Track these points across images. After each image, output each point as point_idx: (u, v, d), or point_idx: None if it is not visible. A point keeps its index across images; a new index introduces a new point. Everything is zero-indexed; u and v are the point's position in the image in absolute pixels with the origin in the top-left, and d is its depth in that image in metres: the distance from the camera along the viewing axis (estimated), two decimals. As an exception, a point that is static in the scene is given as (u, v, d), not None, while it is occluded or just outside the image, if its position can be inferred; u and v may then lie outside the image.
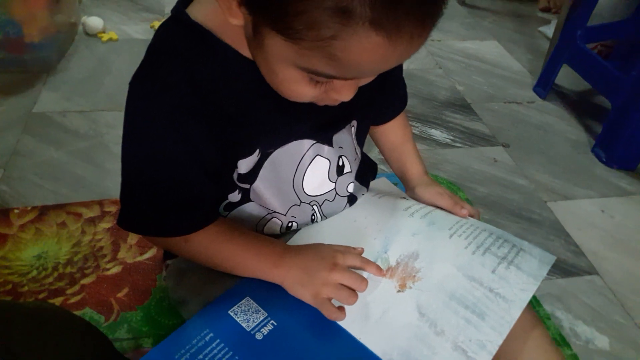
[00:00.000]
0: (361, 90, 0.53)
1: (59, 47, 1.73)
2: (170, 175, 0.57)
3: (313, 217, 0.70)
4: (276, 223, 0.68)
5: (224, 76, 0.55)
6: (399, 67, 0.76)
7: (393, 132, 0.81)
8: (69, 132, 1.42)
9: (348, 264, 0.61)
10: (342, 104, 0.56)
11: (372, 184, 0.79)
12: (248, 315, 0.59)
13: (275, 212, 0.67)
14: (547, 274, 1.15)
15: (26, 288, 1.00)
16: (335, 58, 0.42)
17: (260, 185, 0.63)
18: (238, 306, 0.60)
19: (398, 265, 0.65)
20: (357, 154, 0.73)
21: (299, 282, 0.60)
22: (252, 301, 0.61)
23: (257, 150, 0.60)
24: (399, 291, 0.63)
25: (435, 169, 1.43)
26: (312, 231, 0.70)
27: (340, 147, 0.68)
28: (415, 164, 0.82)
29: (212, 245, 0.62)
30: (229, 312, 0.60)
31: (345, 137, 0.69)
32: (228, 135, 0.57)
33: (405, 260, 0.66)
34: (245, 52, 0.54)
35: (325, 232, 0.69)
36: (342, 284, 0.60)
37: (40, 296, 0.98)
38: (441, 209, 0.75)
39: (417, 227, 0.70)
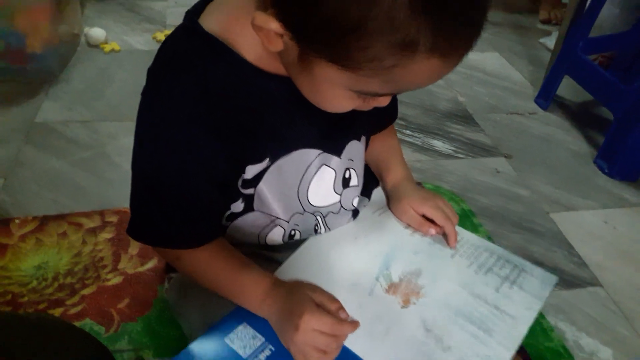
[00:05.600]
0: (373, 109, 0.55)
1: (61, 58, 1.73)
2: (181, 187, 0.57)
3: (316, 228, 0.70)
4: (279, 231, 0.67)
5: (238, 88, 0.55)
6: None
7: (378, 140, 0.79)
8: (70, 142, 1.42)
9: (314, 327, 0.55)
10: (355, 117, 0.58)
11: (374, 194, 0.79)
12: (245, 342, 0.58)
13: (277, 218, 0.66)
14: None
15: (26, 298, 0.99)
16: (393, 81, 0.45)
17: (264, 188, 0.63)
18: (234, 333, 0.59)
19: (401, 281, 0.65)
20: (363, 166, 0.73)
21: (279, 329, 0.58)
22: (249, 327, 0.59)
23: (267, 159, 0.60)
24: (402, 307, 0.62)
25: (437, 179, 1.42)
26: (313, 250, 0.69)
27: (350, 159, 0.68)
28: (392, 173, 0.78)
29: (206, 270, 0.62)
30: (225, 339, 0.59)
31: (358, 149, 0.69)
32: (239, 145, 0.57)
33: (408, 276, 0.66)
34: (260, 62, 0.54)
35: (327, 251, 0.69)
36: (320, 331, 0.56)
37: (40, 307, 0.98)
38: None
39: (418, 245, 0.71)
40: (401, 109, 1.64)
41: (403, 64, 0.43)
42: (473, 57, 2.06)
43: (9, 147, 1.38)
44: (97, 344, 0.68)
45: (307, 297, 0.57)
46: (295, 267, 0.65)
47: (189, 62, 0.54)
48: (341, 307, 0.57)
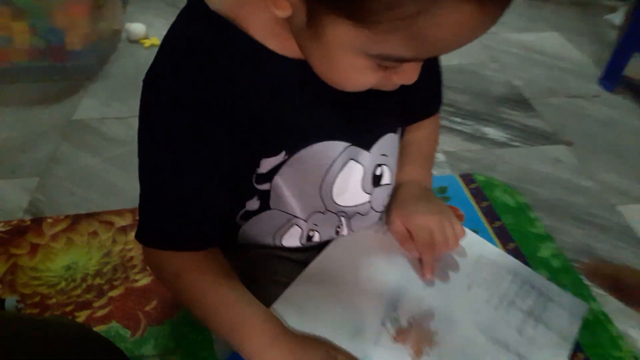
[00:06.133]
0: (406, 92, 0.49)
1: (101, 54, 1.73)
2: (187, 186, 0.53)
3: (338, 230, 0.63)
4: (296, 232, 0.61)
5: (248, 72, 0.50)
6: (437, 64, 0.67)
7: (409, 130, 0.70)
8: (106, 139, 1.40)
9: None
10: (386, 107, 0.53)
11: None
12: None
13: (294, 217, 0.60)
14: None
15: (54, 300, 0.97)
16: (417, 37, 0.37)
17: (280, 182, 0.56)
18: None
19: (411, 326, 0.56)
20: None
21: None
22: None
23: (284, 152, 0.55)
24: (414, 359, 0.54)
25: (490, 170, 1.32)
26: (308, 286, 0.60)
27: (383, 154, 0.61)
28: (405, 169, 0.68)
29: (206, 296, 0.55)
30: None
31: (393, 144, 0.62)
32: (251, 137, 0.52)
33: (419, 320, 0.57)
34: (272, 44, 0.49)
35: (326, 287, 0.60)
36: None
37: (68, 309, 0.95)
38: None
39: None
40: (449, 95, 1.57)
41: (428, 9, 0.35)
42: (529, 37, 1.95)
43: (46, 146, 1.38)
44: (113, 349, 0.65)
45: (330, 352, 0.51)
46: (288, 311, 0.57)
47: (191, 45, 0.49)
48: None
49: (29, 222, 1.13)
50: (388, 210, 0.66)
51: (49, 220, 1.14)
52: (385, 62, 0.42)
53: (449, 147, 1.39)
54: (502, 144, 1.43)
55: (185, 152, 0.51)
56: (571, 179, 1.32)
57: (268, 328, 0.52)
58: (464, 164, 1.34)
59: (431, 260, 0.61)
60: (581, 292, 1.01)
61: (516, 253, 1.08)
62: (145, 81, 0.51)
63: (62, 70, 1.63)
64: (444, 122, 1.47)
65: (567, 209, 1.22)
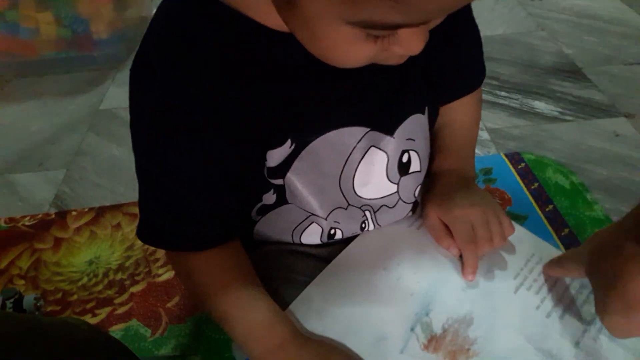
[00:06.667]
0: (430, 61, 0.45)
1: (129, 42, 1.70)
2: (182, 184, 0.49)
3: (363, 225, 0.57)
4: (316, 229, 0.56)
5: (241, 54, 0.45)
6: (472, 33, 0.59)
7: (447, 110, 0.62)
8: (132, 128, 1.37)
9: None
10: (411, 84, 0.48)
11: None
12: None
13: (313, 214, 0.55)
14: None
15: (75, 297, 0.94)
16: None
17: (293, 179, 0.51)
18: None
19: (445, 333, 0.50)
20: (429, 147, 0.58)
21: None
22: None
23: (289, 141, 0.49)
24: None
25: (540, 148, 1.21)
26: (324, 286, 0.55)
27: (409, 139, 0.54)
28: (441, 155, 0.61)
29: (220, 292, 0.52)
30: None
31: (419, 126, 0.55)
32: (251, 125, 0.48)
33: (455, 326, 0.50)
34: (270, 22, 0.44)
35: (344, 287, 0.54)
36: None
37: (88, 305, 0.92)
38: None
39: None
40: (494, 67, 1.46)
41: None
42: (581, 1, 1.79)
43: (73, 137, 1.36)
44: (123, 349, 0.62)
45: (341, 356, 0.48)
46: (306, 313, 0.52)
47: (180, 28, 0.45)
48: None
49: (53, 216, 1.11)
50: (423, 202, 0.60)
51: (74, 213, 1.11)
52: (374, 30, 0.36)
53: (493, 124, 1.28)
54: (553, 119, 1.31)
55: (177, 147, 0.47)
56: (632, 155, 1.19)
57: (276, 333, 0.49)
58: (510, 142, 1.23)
59: (473, 258, 0.54)
60: None
61: (571, 240, 0.97)
62: (131, 70, 0.47)
63: (89, 60, 1.61)
64: (487, 97, 1.37)
65: (629, 188, 1.10)
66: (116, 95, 1.50)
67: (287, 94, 0.48)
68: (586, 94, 1.39)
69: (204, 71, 0.44)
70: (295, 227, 0.56)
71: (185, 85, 0.44)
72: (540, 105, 1.36)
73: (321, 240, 0.57)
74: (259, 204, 0.54)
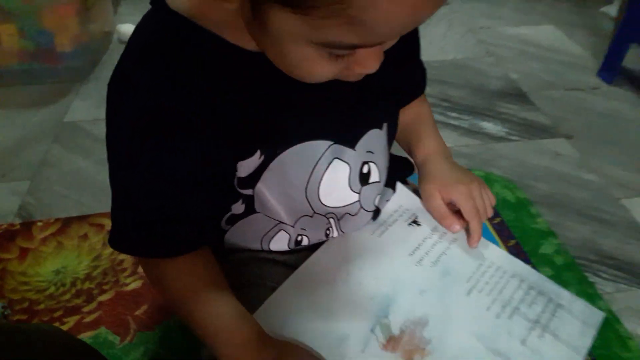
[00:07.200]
0: (385, 82, 0.49)
1: (92, 56, 1.71)
2: (155, 190, 0.51)
3: (328, 232, 0.61)
4: (284, 236, 0.59)
5: (213, 71, 0.49)
6: (416, 46, 0.66)
7: (405, 109, 0.68)
8: (97, 141, 1.37)
9: None
10: (368, 101, 0.52)
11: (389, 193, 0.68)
12: None
13: (281, 222, 0.58)
14: (626, 284, 1.02)
15: (42, 306, 0.94)
16: (356, 21, 0.35)
17: (263, 189, 0.54)
18: None
19: (402, 334, 0.53)
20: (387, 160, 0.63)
21: None
22: None
23: (259, 152, 0.52)
24: None
25: (488, 165, 1.30)
26: (293, 291, 0.58)
27: (369, 151, 0.59)
28: (422, 145, 0.68)
29: (189, 297, 0.54)
30: None
31: (377, 140, 0.60)
32: (223, 137, 0.50)
33: (411, 327, 0.54)
34: (238, 40, 0.47)
35: (311, 291, 0.57)
36: None
37: (56, 314, 0.93)
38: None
39: (426, 280, 0.58)
40: (445, 90, 1.55)
41: None
42: (526, 31, 1.93)
43: (37, 149, 1.35)
44: (98, 356, 0.62)
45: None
46: (271, 318, 0.55)
47: (153, 46, 0.48)
48: None
49: (18, 226, 1.11)
50: (423, 188, 0.65)
51: (39, 223, 1.11)
52: (335, 50, 0.40)
53: (445, 143, 1.36)
54: (500, 139, 1.41)
55: (151, 154, 0.49)
56: (572, 173, 1.29)
57: (242, 333, 0.51)
58: (461, 159, 1.31)
59: (479, 227, 0.61)
60: (586, 291, 0.98)
61: (517, 250, 1.05)
62: (109, 85, 0.49)
63: (53, 73, 1.60)
64: (439, 118, 1.45)
65: (569, 204, 1.20)
66: (80, 108, 1.50)
67: (257, 108, 0.51)
68: (530, 116, 1.50)
69: (181, 86, 0.47)
70: (264, 235, 0.59)
71: (163, 97, 0.47)
72: (488, 126, 1.45)
73: (289, 247, 0.60)
74: (228, 214, 0.57)
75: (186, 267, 0.54)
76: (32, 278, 1.00)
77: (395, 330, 0.53)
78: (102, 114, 1.50)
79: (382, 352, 0.52)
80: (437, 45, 1.80)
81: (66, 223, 1.11)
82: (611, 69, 1.63)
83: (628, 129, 1.45)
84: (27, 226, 1.11)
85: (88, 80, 1.62)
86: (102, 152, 1.43)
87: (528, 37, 1.90)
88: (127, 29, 1.82)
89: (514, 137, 1.41)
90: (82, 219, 1.12)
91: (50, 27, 1.55)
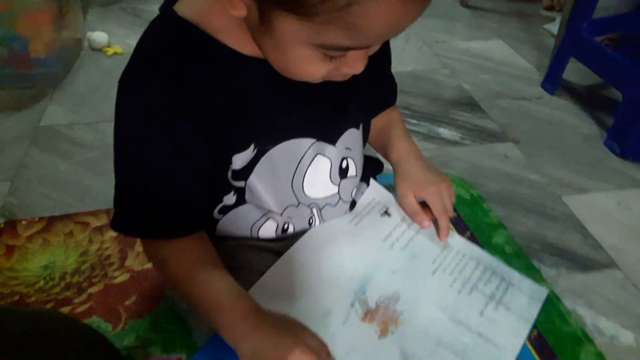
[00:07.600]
0: (363, 87, 0.53)
1: (65, 62, 1.73)
2: (160, 176, 0.56)
3: (311, 221, 0.67)
4: (271, 225, 0.65)
5: (215, 73, 0.54)
6: (388, 63, 0.73)
7: (379, 116, 0.74)
8: (75, 144, 1.41)
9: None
10: (348, 103, 0.56)
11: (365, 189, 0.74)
12: None
13: (270, 211, 0.64)
14: (567, 269, 1.14)
15: (33, 298, 0.98)
16: (352, 26, 0.41)
17: (254, 180, 0.60)
18: None
19: (378, 308, 0.60)
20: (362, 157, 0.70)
21: (253, 355, 0.52)
22: None
23: (252, 146, 0.58)
24: (380, 337, 0.58)
25: (445, 167, 1.40)
26: (281, 273, 0.62)
27: (347, 148, 0.65)
28: (396, 147, 0.73)
29: (189, 277, 0.57)
30: None
31: (354, 138, 0.66)
32: (221, 131, 0.56)
33: (385, 302, 0.60)
34: (238, 46, 0.53)
35: (296, 274, 0.62)
36: None
37: (47, 306, 0.97)
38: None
39: (397, 262, 0.65)
40: (405, 99, 1.66)
41: (358, 1, 0.39)
42: (477, 45, 2.07)
43: (14, 152, 1.37)
44: (103, 340, 0.67)
45: (298, 334, 0.52)
46: (263, 296, 0.58)
47: (163, 50, 0.52)
48: (329, 355, 0.53)
49: (2, 225, 1.14)
50: (397, 186, 0.70)
51: (24, 222, 1.14)
52: (330, 51, 0.46)
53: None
54: (455, 143, 1.51)
55: (158, 143, 0.54)
56: (519, 173, 1.40)
57: (239, 306, 0.53)
58: (421, 161, 1.41)
59: (447, 224, 0.67)
60: (532, 275, 1.08)
61: (472, 241, 1.11)
62: (119, 82, 0.53)
63: (28, 78, 1.62)
64: (402, 124, 1.55)
65: (517, 200, 1.30)
66: (55, 113, 1.53)
67: (251, 108, 0.56)
68: (482, 122, 1.60)
69: (183, 89, 0.51)
70: (254, 224, 0.64)
71: (169, 95, 0.51)
72: (445, 132, 1.55)
73: (276, 235, 0.65)
74: (220, 204, 0.62)
75: (186, 248, 0.58)
76: (20, 273, 1.03)
77: (372, 305, 0.60)
78: (78, 118, 1.58)
79: (361, 324, 0.58)
80: (396, 57, 1.86)
81: (50, 222, 1.15)
82: (553, 81, 1.75)
83: (568, 135, 1.57)
84: (12, 224, 1.14)
85: (62, 86, 1.65)
86: (81, 154, 1.49)
87: (479, 51, 2.02)
88: (97, 36, 1.86)
89: (467, 142, 1.52)
90: (66, 217, 1.16)
91: (24, 34, 1.56)
